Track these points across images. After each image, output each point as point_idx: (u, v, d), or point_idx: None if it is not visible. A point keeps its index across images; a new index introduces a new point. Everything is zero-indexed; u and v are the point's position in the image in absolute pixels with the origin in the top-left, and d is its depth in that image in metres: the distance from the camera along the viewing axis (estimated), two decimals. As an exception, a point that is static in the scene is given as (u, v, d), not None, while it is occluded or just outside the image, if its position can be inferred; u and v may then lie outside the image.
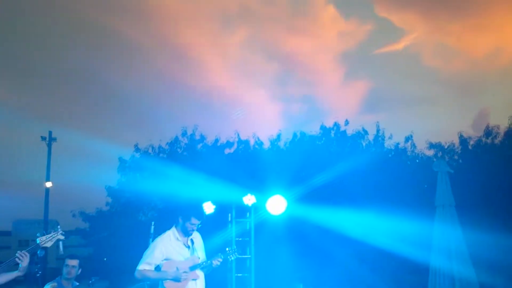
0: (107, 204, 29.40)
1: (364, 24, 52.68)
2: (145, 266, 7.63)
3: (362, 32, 50.30)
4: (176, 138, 28.87)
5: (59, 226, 7.05)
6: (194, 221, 7.76)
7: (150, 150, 28.88)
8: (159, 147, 28.94)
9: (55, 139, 34.23)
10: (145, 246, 8.40)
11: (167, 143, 28.91)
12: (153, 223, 14.35)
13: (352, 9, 54.42)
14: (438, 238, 14.57)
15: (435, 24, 49.76)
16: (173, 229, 7.93)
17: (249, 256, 14.98)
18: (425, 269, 14.80)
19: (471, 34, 48.60)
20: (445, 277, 14.21)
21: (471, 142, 27.37)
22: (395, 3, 49.90)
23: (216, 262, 7.90)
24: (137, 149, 28.87)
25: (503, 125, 27.18)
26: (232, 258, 8.14)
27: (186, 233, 7.83)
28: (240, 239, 15.00)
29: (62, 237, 6.91)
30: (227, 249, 8.14)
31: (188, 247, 7.86)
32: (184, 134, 28.82)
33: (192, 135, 28.76)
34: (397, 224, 17.47)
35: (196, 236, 8.00)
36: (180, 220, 7.85)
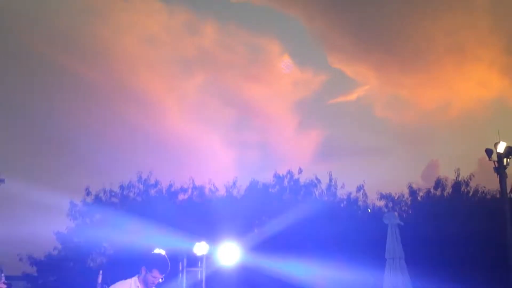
0: (55, 248, 28.57)
1: (319, 74, 53.88)
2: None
3: (316, 82, 51.41)
4: (130, 183, 28.51)
5: (3, 274, 6.83)
6: (156, 274, 7.59)
7: (102, 195, 28.34)
8: (110, 191, 28.42)
9: (3, 181, 33.24)
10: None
11: (120, 187, 28.49)
12: (101, 272, 14.01)
13: (307, 59, 55.70)
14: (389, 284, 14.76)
15: (387, 76, 51.38)
16: (135, 278, 7.75)
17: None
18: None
19: (422, 88, 50.30)
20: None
21: (421, 194, 28.08)
22: (349, 55, 51.38)
23: None
24: (88, 193, 28.30)
25: (451, 177, 28.06)
26: None
27: (146, 285, 7.68)
28: (191, 288, 14.82)
29: (4, 286, 6.67)
30: None
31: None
32: (138, 179, 28.52)
33: (146, 180, 28.49)
34: (349, 275, 17.59)
35: None
36: (143, 271, 7.70)
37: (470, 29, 46.72)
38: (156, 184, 28.56)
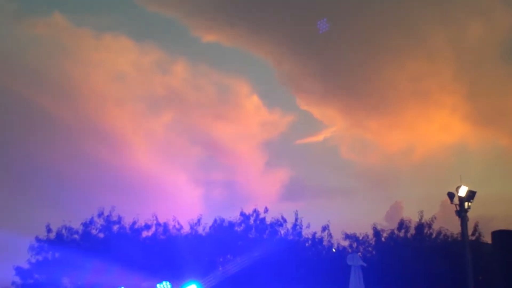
0: (13, 283, 27.71)
1: (287, 115, 54.61)
2: None
3: (284, 122, 52.01)
4: (92, 219, 28.00)
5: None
6: None
7: (63, 231, 27.71)
8: (69, 229, 27.78)
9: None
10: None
11: (82, 224, 27.92)
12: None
13: (275, 100, 56.48)
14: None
15: (353, 119, 52.30)
16: None
17: None
18: None
19: (387, 131, 51.31)
20: None
21: (384, 235, 28.31)
22: (316, 97, 52.25)
23: None
24: (49, 230, 27.63)
25: (415, 219, 28.42)
26: None
27: None
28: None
29: None
30: None
31: None
32: (100, 215, 28.03)
33: (109, 216, 28.03)
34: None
35: None
36: None
37: (434, 76, 48.21)
38: (119, 220, 28.12)
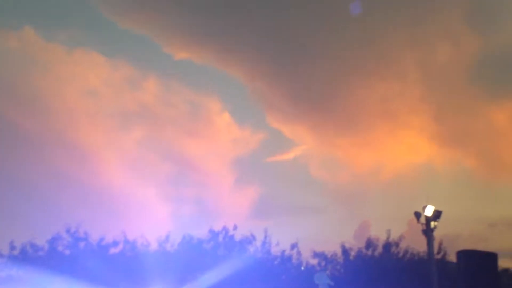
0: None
1: (257, 133, 54.90)
2: None
3: (254, 140, 52.20)
4: (58, 235, 27.49)
5: None
6: None
7: (28, 248, 27.11)
8: (34, 245, 27.17)
9: None
10: None
11: (47, 240, 27.37)
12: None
13: (246, 118, 56.81)
14: None
15: (323, 138, 52.85)
16: None
17: None
18: None
19: (356, 150, 51.92)
20: None
21: (353, 253, 28.56)
22: (287, 116, 52.69)
23: None
24: (12, 246, 26.97)
25: (382, 238, 28.75)
26: None
27: None
28: None
29: None
30: None
31: None
32: (67, 231, 27.55)
33: (76, 232, 27.56)
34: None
35: None
36: None
37: (403, 97, 49.19)
38: (86, 237, 27.68)
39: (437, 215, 22.14)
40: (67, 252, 27.17)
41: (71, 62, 46.80)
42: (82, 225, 27.61)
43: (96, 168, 43.66)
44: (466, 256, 19.46)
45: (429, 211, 22.05)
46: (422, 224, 22.35)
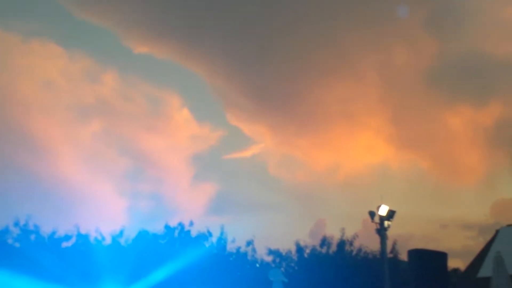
0: None
1: (216, 130, 54.86)
2: None
3: (213, 137, 52.06)
4: (7, 227, 26.78)
5: None
6: None
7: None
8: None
9: None
10: None
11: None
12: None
13: (205, 115, 56.70)
14: None
15: (282, 137, 53.14)
16: None
17: None
18: None
19: (313, 150, 52.41)
20: None
21: (307, 251, 28.84)
22: (246, 114, 52.74)
23: None
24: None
25: (337, 236, 29.10)
26: None
27: None
28: None
29: None
30: None
31: None
32: (16, 224, 26.84)
33: (25, 225, 26.90)
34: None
35: None
36: None
37: (361, 98, 49.93)
38: (36, 229, 27.05)
39: (390, 214, 22.48)
40: (17, 245, 26.51)
41: (28, 53, 45.71)
42: (32, 218, 27.00)
43: (50, 161, 42.79)
44: (417, 255, 19.85)
45: (383, 210, 22.37)
46: (376, 223, 22.67)
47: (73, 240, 27.43)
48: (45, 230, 27.02)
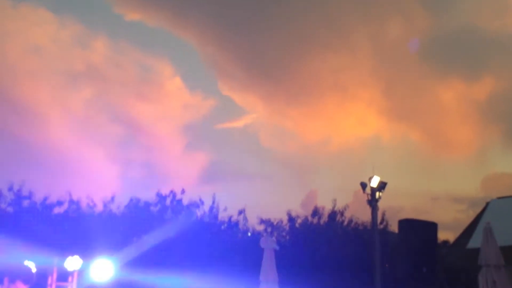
0: None
1: (208, 99, 54.77)
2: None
3: (205, 106, 51.87)
4: (0, 192, 26.75)
5: None
6: (20, 285, 7.22)
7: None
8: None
9: None
10: None
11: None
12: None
13: (197, 83, 56.56)
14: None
15: (274, 107, 53.06)
16: None
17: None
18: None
19: (306, 121, 52.44)
20: None
21: (299, 221, 29.00)
22: (238, 84, 52.50)
23: None
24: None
25: (328, 207, 29.28)
26: None
27: None
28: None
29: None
30: None
31: (9, 312, 7.26)
32: (10, 189, 26.82)
33: (19, 191, 26.88)
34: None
35: None
36: (5, 282, 7.26)
37: (353, 70, 49.80)
38: (30, 196, 27.05)
39: (382, 186, 22.65)
40: (10, 209, 26.53)
41: (17, 18, 44.97)
42: (25, 183, 26.98)
43: (41, 127, 42.55)
44: (407, 224, 20.09)
45: (374, 182, 22.53)
46: (367, 194, 22.83)
47: (65, 206, 27.44)
48: (38, 196, 27.05)
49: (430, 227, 19.71)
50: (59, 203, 27.40)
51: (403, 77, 50.32)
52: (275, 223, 28.95)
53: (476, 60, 47.64)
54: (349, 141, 50.73)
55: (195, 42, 56.58)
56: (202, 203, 28.23)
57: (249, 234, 28.44)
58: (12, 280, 7.22)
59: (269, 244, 17.25)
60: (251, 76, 52.17)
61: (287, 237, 28.67)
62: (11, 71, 42.67)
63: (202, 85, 55.60)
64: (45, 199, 27.20)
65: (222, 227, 28.14)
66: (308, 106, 50.82)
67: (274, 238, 24.84)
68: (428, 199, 48.52)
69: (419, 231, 19.21)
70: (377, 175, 22.53)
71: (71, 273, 14.53)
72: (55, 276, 14.42)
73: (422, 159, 49.19)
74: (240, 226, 28.71)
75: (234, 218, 28.54)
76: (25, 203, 26.90)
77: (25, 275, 7.36)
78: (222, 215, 28.38)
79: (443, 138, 50.73)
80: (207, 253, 23.09)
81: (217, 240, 25.03)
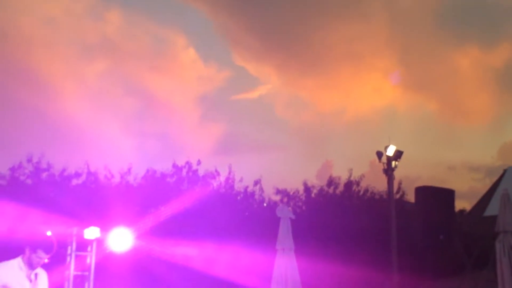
0: None
1: (223, 70, 54.56)
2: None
3: (220, 77, 51.73)
4: (20, 164, 27.06)
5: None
6: (41, 254, 7.35)
7: (-12, 176, 26.67)
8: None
9: None
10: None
11: (9, 168, 26.94)
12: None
13: (211, 54, 56.29)
14: (278, 271, 15.32)
15: (288, 77, 52.71)
16: (19, 259, 7.45)
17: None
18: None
19: (320, 91, 52.10)
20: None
21: (314, 191, 29.09)
22: (252, 53, 52.14)
23: None
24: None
25: (344, 177, 29.31)
26: None
27: (31, 265, 7.39)
28: (79, 273, 14.32)
29: None
30: None
31: (31, 280, 7.43)
32: (29, 161, 27.14)
33: (38, 162, 27.19)
34: (242, 260, 17.95)
35: (41, 273, 7.60)
36: (27, 252, 7.41)
37: (368, 39, 49.18)
38: (48, 168, 27.38)
39: (398, 155, 22.62)
40: (29, 181, 26.88)
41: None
42: (44, 155, 27.28)
43: (55, 99, 42.76)
44: (424, 192, 19.96)
45: (390, 151, 22.49)
46: (383, 163, 22.82)
47: (83, 177, 27.75)
48: (56, 167, 27.35)
49: (447, 194, 19.57)
50: (77, 174, 27.70)
51: (419, 45, 49.71)
52: (291, 193, 29.08)
53: (493, 27, 46.81)
54: (364, 111, 50.50)
55: (208, 11, 56.19)
56: (218, 174, 28.39)
57: (265, 204, 28.59)
58: (34, 250, 7.35)
59: (285, 213, 17.30)
60: (265, 46, 51.81)
61: (303, 207, 28.79)
62: (24, 42, 42.77)
63: (216, 56, 55.42)
64: (63, 170, 27.51)
65: (238, 197, 28.30)
66: (323, 76, 50.54)
67: (290, 208, 24.99)
68: (445, 168, 48.28)
69: (436, 197, 19.09)
70: (394, 144, 22.49)
71: (90, 243, 14.69)
72: (74, 246, 14.59)
73: (439, 128, 48.91)
74: (256, 196, 28.86)
75: (250, 188, 28.70)
76: (44, 175, 27.23)
77: (46, 245, 7.49)
78: (238, 186, 28.56)
79: (459, 106, 50.25)
80: (224, 223, 23.27)
81: (234, 210, 25.18)
